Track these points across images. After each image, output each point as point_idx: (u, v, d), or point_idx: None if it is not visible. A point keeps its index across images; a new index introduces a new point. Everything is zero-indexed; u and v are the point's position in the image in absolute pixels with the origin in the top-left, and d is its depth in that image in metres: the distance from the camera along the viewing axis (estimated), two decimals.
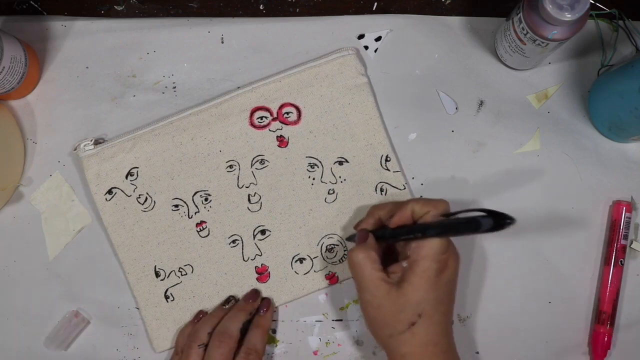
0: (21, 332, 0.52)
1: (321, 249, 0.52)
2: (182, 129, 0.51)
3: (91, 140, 0.51)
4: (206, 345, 0.47)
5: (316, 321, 0.52)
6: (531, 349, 0.52)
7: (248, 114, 0.52)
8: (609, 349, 0.51)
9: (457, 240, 0.53)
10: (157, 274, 0.52)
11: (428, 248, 0.42)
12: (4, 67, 0.48)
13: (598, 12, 0.53)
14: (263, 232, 0.52)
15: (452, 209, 0.52)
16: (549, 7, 0.42)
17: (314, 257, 0.52)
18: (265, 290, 0.52)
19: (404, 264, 0.43)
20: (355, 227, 0.48)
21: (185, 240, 0.52)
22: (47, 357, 0.52)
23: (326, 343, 0.52)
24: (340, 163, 0.52)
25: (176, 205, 0.52)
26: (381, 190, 0.52)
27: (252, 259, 0.52)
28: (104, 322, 0.52)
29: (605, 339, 0.51)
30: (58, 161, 0.53)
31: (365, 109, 0.52)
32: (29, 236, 0.53)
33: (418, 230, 0.42)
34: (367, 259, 0.43)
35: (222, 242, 0.52)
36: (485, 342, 0.52)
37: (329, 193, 0.52)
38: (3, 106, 0.52)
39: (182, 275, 0.52)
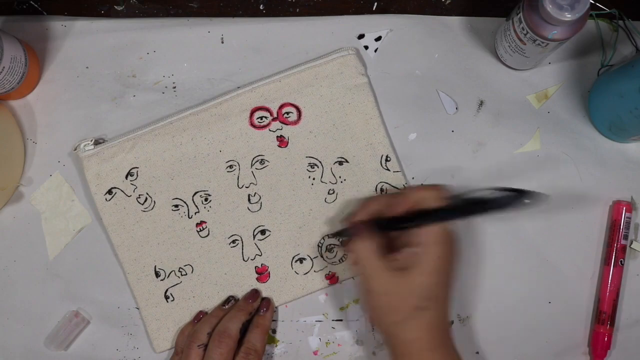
0: (21, 332, 0.52)
1: (321, 249, 0.52)
2: (182, 129, 0.51)
3: (91, 140, 0.51)
4: (206, 346, 0.47)
5: (316, 321, 0.52)
6: (531, 349, 0.52)
7: (248, 114, 0.52)
8: (609, 349, 0.51)
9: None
10: (157, 274, 0.52)
11: (436, 234, 0.42)
12: (4, 67, 0.48)
13: (598, 12, 0.53)
14: (263, 232, 0.52)
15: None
16: (549, 7, 0.42)
17: (314, 257, 0.52)
18: (265, 290, 0.52)
19: (414, 249, 0.43)
20: (345, 220, 0.48)
21: (185, 240, 0.52)
22: (47, 357, 0.52)
23: (326, 343, 0.52)
24: (340, 163, 0.52)
25: (176, 206, 0.52)
26: (381, 190, 0.52)
27: (252, 259, 0.52)
28: (104, 322, 0.52)
29: (605, 339, 0.51)
30: (58, 161, 0.53)
31: (365, 109, 0.52)
32: (29, 236, 0.53)
33: (430, 216, 0.42)
34: (367, 249, 0.43)
35: (222, 242, 0.52)
36: (485, 342, 0.52)
37: (329, 193, 0.52)
38: (3, 106, 0.52)
39: (182, 275, 0.52)
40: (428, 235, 0.42)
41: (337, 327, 0.52)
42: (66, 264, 0.53)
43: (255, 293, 0.51)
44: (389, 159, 0.52)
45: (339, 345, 0.52)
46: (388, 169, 0.52)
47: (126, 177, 0.51)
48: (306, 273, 0.52)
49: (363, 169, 0.52)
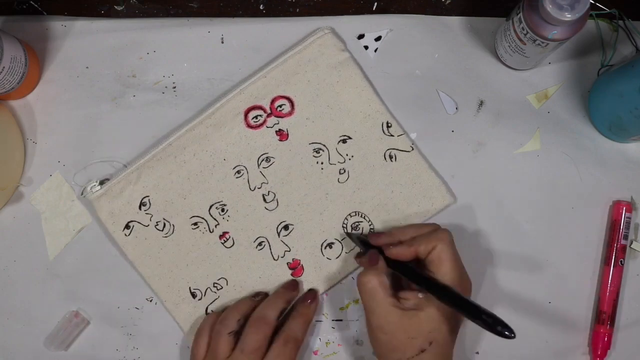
0: (21, 332, 0.52)
1: (347, 230, 0.51)
2: (182, 148, 0.51)
3: (96, 181, 0.51)
4: (237, 332, 0.46)
5: (316, 321, 0.52)
6: (531, 349, 0.52)
7: (242, 116, 0.51)
8: (609, 349, 0.51)
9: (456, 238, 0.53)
10: (193, 295, 0.51)
11: (450, 283, 0.43)
12: (4, 67, 0.48)
13: (598, 12, 0.53)
14: (286, 227, 0.52)
15: (457, 212, 0.53)
16: (549, 7, 0.42)
17: (342, 239, 0.51)
18: (303, 283, 0.51)
19: (420, 295, 0.43)
20: (369, 237, 0.48)
21: (213, 254, 0.51)
22: (47, 357, 0.52)
23: (326, 343, 0.52)
24: (344, 141, 0.52)
25: (195, 223, 0.51)
26: (390, 157, 0.51)
27: (282, 257, 0.51)
28: (104, 322, 0.52)
29: (605, 339, 0.51)
30: (58, 161, 0.53)
31: (354, 83, 0.52)
32: (29, 236, 0.53)
33: (436, 289, 0.42)
34: (380, 285, 0.43)
35: (248, 248, 0.51)
36: (485, 342, 0.52)
37: (340, 173, 0.52)
38: (3, 106, 0.52)
39: (217, 289, 0.51)
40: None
41: (337, 327, 0.52)
42: (66, 264, 0.53)
43: (293, 283, 0.50)
44: (389, 124, 0.52)
45: (339, 345, 0.52)
46: (392, 135, 0.52)
47: (140, 208, 0.51)
48: (338, 257, 0.51)
49: (367, 141, 0.51)
